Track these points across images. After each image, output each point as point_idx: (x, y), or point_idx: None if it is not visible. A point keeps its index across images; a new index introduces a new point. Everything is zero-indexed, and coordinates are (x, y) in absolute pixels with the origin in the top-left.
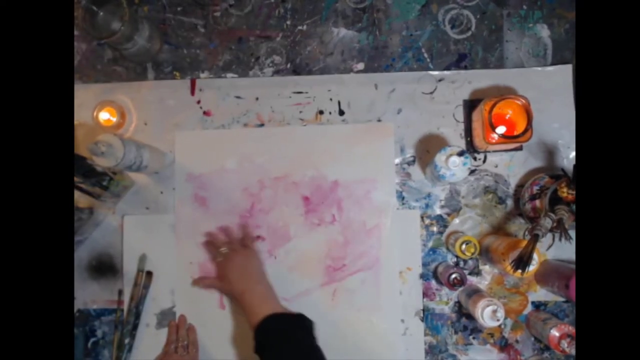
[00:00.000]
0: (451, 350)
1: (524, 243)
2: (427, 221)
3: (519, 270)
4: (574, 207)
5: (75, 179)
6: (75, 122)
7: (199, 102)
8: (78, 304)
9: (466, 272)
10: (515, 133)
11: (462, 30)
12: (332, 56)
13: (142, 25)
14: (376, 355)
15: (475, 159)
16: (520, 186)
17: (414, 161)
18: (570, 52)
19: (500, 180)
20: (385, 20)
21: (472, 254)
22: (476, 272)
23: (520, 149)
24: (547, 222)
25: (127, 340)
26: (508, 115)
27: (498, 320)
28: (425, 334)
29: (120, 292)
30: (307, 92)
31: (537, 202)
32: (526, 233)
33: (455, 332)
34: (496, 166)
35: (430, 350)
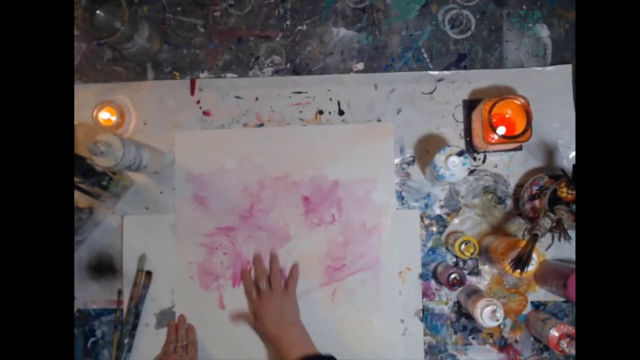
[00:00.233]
0: (450, 350)
1: (523, 243)
2: (426, 221)
3: (518, 270)
4: (573, 207)
5: (75, 178)
6: (75, 122)
7: (198, 102)
8: (78, 304)
9: (465, 272)
10: (515, 133)
11: (461, 30)
12: (332, 56)
13: (141, 25)
14: (376, 355)
15: (474, 159)
16: (519, 186)
17: (413, 161)
18: (570, 52)
19: (499, 180)
20: (385, 20)
21: (472, 254)
22: (475, 272)
23: (519, 149)
24: (546, 222)
25: (126, 340)
26: (508, 115)
27: (497, 320)
28: (425, 334)
29: (120, 292)
30: (306, 92)
31: (537, 202)
32: (525, 233)
33: (455, 332)
34: (496, 166)
35: (430, 350)
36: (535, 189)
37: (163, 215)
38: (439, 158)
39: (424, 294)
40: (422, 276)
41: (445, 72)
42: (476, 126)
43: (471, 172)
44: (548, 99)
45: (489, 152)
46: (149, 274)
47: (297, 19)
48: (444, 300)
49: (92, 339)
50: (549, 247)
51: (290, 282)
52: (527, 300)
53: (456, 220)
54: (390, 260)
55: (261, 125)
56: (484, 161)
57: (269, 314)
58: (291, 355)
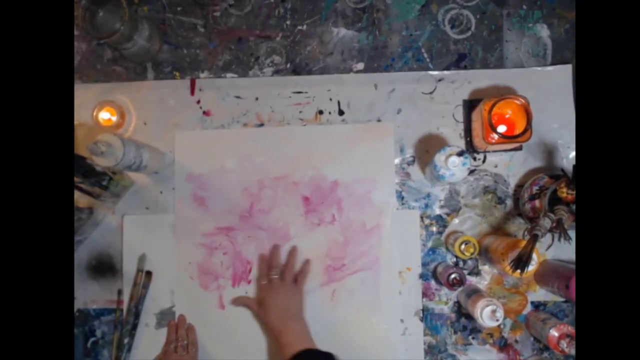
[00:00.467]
0: (450, 350)
1: (524, 243)
2: (426, 221)
3: (518, 270)
4: (573, 207)
5: (75, 178)
6: (75, 122)
7: (198, 102)
8: (78, 304)
9: (465, 272)
10: (515, 133)
11: (461, 30)
12: (332, 56)
13: (141, 25)
14: (376, 355)
15: (474, 159)
16: (519, 186)
17: (413, 161)
18: (570, 52)
19: (499, 180)
20: (385, 20)
21: (472, 254)
22: (475, 272)
23: (519, 149)
24: (546, 222)
25: (126, 340)
26: (508, 115)
27: (497, 320)
28: (425, 334)
29: (120, 292)
30: (306, 92)
31: (537, 202)
32: (525, 233)
33: (455, 332)
34: (496, 166)
35: (430, 350)
36: (535, 189)
37: (163, 215)
38: (439, 158)
39: (424, 294)
40: (422, 276)
41: (445, 72)
42: (476, 126)
43: (471, 172)
44: (548, 99)
45: (489, 152)
46: (149, 274)
47: (297, 19)
48: (444, 300)
49: (92, 339)
50: (549, 247)
51: (301, 277)
52: (527, 300)
53: (456, 220)
54: (390, 260)
55: (261, 125)
56: (484, 161)
57: (276, 303)
58: (291, 349)
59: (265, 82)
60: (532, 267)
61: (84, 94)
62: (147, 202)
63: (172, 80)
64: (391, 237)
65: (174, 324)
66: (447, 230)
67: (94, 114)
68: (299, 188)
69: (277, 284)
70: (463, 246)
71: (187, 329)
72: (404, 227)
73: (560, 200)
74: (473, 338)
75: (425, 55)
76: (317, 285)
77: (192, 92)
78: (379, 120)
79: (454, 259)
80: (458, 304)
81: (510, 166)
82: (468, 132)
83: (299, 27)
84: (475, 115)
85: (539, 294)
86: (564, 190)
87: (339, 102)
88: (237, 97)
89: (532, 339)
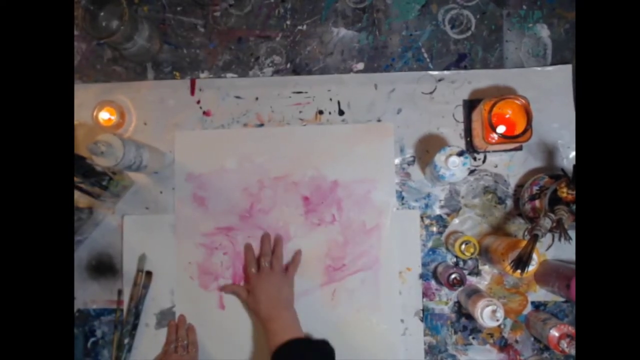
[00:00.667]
0: (451, 351)
1: (524, 243)
2: (426, 221)
3: (519, 270)
4: (573, 207)
5: (75, 178)
6: (75, 122)
7: (198, 102)
8: (78, 304)
9: (466, 272)
10: (515, 133)
11: (462, 30)
12: (332, 56)
13: (141, 25)
14: (376, 355)
15: (474, 159)
16: (519, 186)
17: (413, 161)
18: (570, 52)
19: (499, 180)
20: (385, 20)
21: (472, 254)
22: (476, 272)
23: (520, 149)
24: (546, 222)
25: (126, 340)
26: (508, 115)
27: (497, 320)
28: (425, 334)
29: (120, 292)
30: (306, 92)
31: (537, 202)
32: (526, 233)
33: (455, 332)
34: (496, 166)
35: (430, 350)
36: (535, 189)
37: (163, 215)
38: (439, 158)
39: (424, 294)
40: (422, 276)
41: (446, 72)
42: (476, 126)
43: (471, 172)
44: (548, 99)
45: (489, 152)
46: (149, 274)
47: (297, 19)
48: (444, 300)
49: (92, 339)
50: (549, 247)
51: (291, 267)
52: (527, 300)
53: (456, 220)
54: (390, 260)
55: (261, 125)
56: (484, 161)
57: (266, 292)
58: (281, 338)
59: (265, 82)
60: (532, 267)
61: (84, 94)
62: (147, 202)
63: (172, 80)
64: (391, 237)
65: (174, 324)
66: (447, 230)
67: (94, 114)
68: (299, 188)
69: (266, 272)
70: (463, 246)
71: (187, 329)
72: (404, 227)
73: (561, 200)
74: (473, 338)
75: (425, 55)
76: (317, 285)
77: (192, 92)
78: (379, 120)
79: (454, 259)
80: (458, 304)
81: (510, 166)
82: (468, 132)
83: (299, 27)
84: (475, 115)
85: (539, 294)
86: (564, 190)
87: (339, 102)
88: (237, 97)
89: (532, 339)
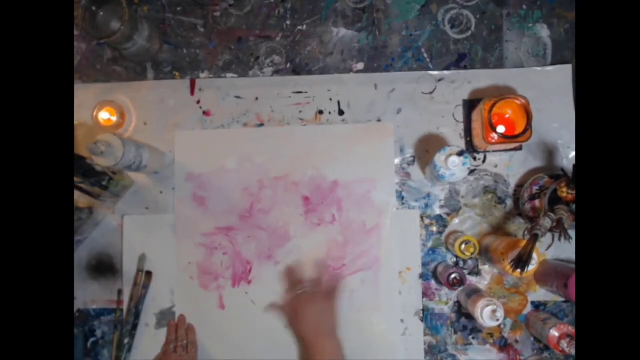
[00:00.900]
0: (451, 350)
1: (524, 243)
2: (426, 221)
3: (518, 270)
4: (573, 207)
5: (75, 178)
6: (75, 122)
7: (198, 102)
8: (78, 304)
9: (466, 272)
10: (515, 133)
11: (461, 30)
12: (332, 56)
13: (141, 25)
14: (376, 355)
15: (474, 159)
16: (519, 186)
17: (413, 161)
18: (570, 52)
19: (499, 180)
20: (385, 20)
21: (472, 254)
22: (476, 272)
23: (519, 149)
24: (546, 222)
25: (126, 340)
26: (508, 115)
27: (497, 320)
28: (425, 334)
29: (120, 292)
30: (306, 92)
31: (537, 202)
32: (526, 233)
33: (455, 332)
34: (496, 166)
35: (430, 350)
36: (535, 189)
37: (163, 215)
38: (439, 158)
39: (424, 294)
40: (422, 276)
41: (445, 72)
42: (476, 126)
43: (471, 172)
44: (548, 99)
45: (489, 152)
46: (149, 274)
47: (297, 19)
48: (444, 300)
49: (92, 339)
50: (549, 247)
51: (335, 292)
52: (527, 300)
53: (456, 220)
54: (390, 260)
55: (261, 125)
56: (484, 161)
57: (309, 314)
58: None
59: (265, 82)
60: (532, 267)
61: (84, 94)
62: (147, 202)
63: (172, 80)
64: (391, 237)
65: (174, 324)
66: (447, 230)
67: (94, 114)
68: (299, 188)
69: (310, 294)
70: (463, 246)
71: (187, 329)
72: (404, 227)
73: (560, 200)
74: (473, 338)
75: (425, 55)
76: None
77: (192, 92)
78: (379, 120)
79: (454, 259)
80: (458, 304)
81: (510, 166)
82: (468, 132)
83: (299, 27)
84: (475, 115)
85: (539, 294)
86: (564, 190)
87: (339, 102)
88: (237, 97)
89: (532, 339)
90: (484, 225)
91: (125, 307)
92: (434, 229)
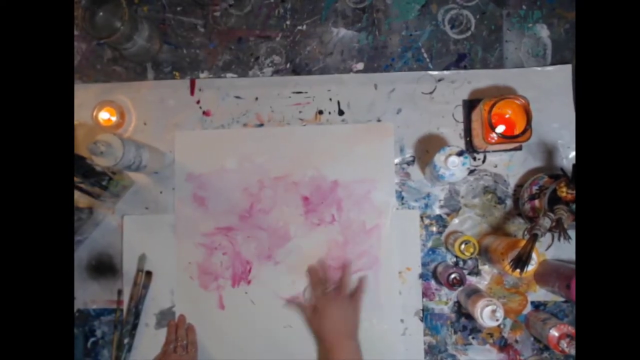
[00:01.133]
0: (450, 350)
1: (523, 243)
2: (426, 221)
3: (518, 270)
4: (573, 206)
5: (75, 178)
6: (75, 122)
7: (198, 102)
8: (78, 304)
9: (465, 272)
10: (515, 133)
11: (461, 30)
12: (332, 56)
13: (141, 25)
14: (376, 355)
15: (474, 159)
16: (519, 186)
17: (413, 161)
18: (570, 52)
19: (499, 180)
20: (384, 20)
21: (472, 253)
22: (475, 272)
23: (519, 148)
24: (546, 222)
25: (126, 340)
26: (508, 115)
27: (497, 320)
28: (425, 334)
29: (120, 292)
30: (306, 92)
31: (536, 202)
32: (525, 233)
33: (455, 332)
34: (495, 166)
35: (430, 350)
36: (535, 188)
37: (163, 215)
38: (439, 158)
39: (424, 294)
40: (422, 276)
41: (445, 72)
42: (476, 126)
43: (471, 172)
44: (548, 99)
45: (488, 152)
46: (149, 274)
47: (297, 19)
48: (444, 300)
49: (92, 339)
50: (549, 247)
51: (358, 293)
52: (527, 300)
53: (456, 220)
54: (390, 260)
55: (261, 125)
56: (483, 161)
57: (331, 315)
58: None
59: (265, 82)
60: (531, 267)
61: (84, 94)
62: (147, 202)
63: (172, 80)
64: (391, 237)
65: (174, 324)
66: (447, 230)
67: (94, 114)
68: (299, 188)
69: (333, 295)
70: (463, 246)
71: (186, 329)
72: (404, 227)
73: (560, 200)
74: (473, 338)
75: (425, 55)
76: None
77: (192, 92)
78: (379, 120)
79: (454, 259)
80: (458, 304)
81: (510, 166)
82: (468, 132)
83: (299, 27)
84: (475, 115)
85: (539, 294)
86: (564, 189)
87: (339, 102)
88: (237, 97)
89: (532, 339)
90: (484, 225)
91: (125, 307)
92: (434, 229)
